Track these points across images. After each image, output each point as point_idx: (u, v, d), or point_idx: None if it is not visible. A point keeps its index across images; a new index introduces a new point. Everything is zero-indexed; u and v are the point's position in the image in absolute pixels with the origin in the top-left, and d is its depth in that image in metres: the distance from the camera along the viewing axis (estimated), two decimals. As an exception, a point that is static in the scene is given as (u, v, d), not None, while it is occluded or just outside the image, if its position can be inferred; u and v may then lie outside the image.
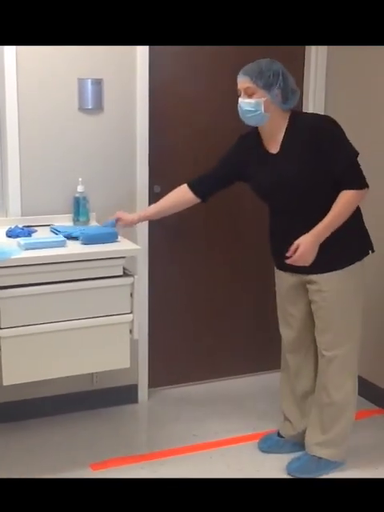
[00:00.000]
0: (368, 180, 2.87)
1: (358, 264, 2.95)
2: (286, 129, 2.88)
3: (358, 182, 2.83)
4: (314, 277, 2.94)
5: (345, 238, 2.88)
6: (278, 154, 2.91)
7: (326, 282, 2.93)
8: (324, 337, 3.01)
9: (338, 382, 3.02)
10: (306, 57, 3.80)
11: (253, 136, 3.00)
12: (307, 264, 2.85)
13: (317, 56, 3.75)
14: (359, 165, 2.84)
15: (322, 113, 3.66)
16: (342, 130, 2.84)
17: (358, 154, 2.85)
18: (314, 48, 3.75)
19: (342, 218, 2.83)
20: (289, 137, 2.87)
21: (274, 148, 2.92)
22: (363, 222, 2.99)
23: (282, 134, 2.88)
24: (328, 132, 2.80)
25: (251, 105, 2.82)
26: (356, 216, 2.91)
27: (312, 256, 2.83)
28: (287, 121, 2.88)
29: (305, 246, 2.81)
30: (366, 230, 3.01)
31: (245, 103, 2.84)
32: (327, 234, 2.83)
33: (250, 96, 2.82)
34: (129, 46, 3.35)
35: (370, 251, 3.00)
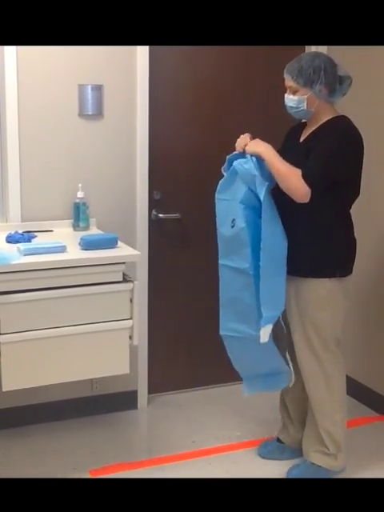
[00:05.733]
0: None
1: (324, 281, 2.90)
2: (322, 124, 2.86)
3: (311, 179, 2.72)
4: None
5: (316, 248, 2.87)
6: (301, 143, 2.92)
7: (287, 284, 2.91)
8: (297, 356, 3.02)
9: (324, 410, 3.02)
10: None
11: (298, 126, 3.02)
12: (251, 148, 2.84)
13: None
14: (320, 176, 2.74)
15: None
16: (341, 147, 2.75)
17: (330, 175, 2.76)
18: (313, 48, 3.74)
19: (278, 172, 2.77)
20: (316, 132, 2.86)
21: (304, 137, 2.93)
22: (343, 245, 2.93)
23: (317, 126, 2.87)
24: (328, 140, 2.78)
25: (294, 102, 2.83)
26: (336, 235, 2.89)
27: (256, 145, 2.84)
28: (331, 116, 2.85)
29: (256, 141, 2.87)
30: (346, 254, 2.95)
31: (288, 100, 2.86)
32: (269, 161, 2.79)
33: (294, 93, 2.83)
34: (129, 48, 3.37)
35: (339, 274, 2.91)
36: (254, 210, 2.84)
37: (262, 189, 2.78)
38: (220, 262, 2.99)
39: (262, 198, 2.78)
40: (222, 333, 3.06)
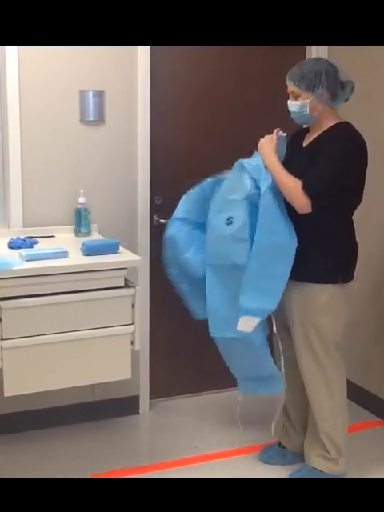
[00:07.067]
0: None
1: (327, 287, 2.91)
2: (325, 130, 2.87)
3: (314, 192, 2.74)
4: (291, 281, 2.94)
5: (319, 254, 2.88)
6: (304, 148, 2.93)
7: (289, 289, 2.90)
8: (298, 360, 3.03)
9: (325, 414, 3.03)
10: (306, 57, 3.75)
11: (301, 131, 3.04)
12: (260, 144, 2.93)
13: (317, 56, 3.71)
14: (327, 185, 2.75)
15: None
16: (347, 154, 2.77)
17: (337, 182, 2.76)
18: (314, 48, 3.75)
19: (283, 184, 2.79)
20: (320, 138, 2.87)
21: (307, 143, 2.94)
22: (346, 251, 2.94)
23: (320, 132, 2.89)
24: (332, 147, 2.79)
25: (296, 107, 2.86)
26: (339, 241, 2.90)
27: (265, 148, 2.90)
28: (334, 122, 2.87)
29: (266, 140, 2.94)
30: (348, 260, 2.96)
31: (291, 105, 2.89)
32: (270, 169, 2.84)
33: (296, 98, 2.86)
34: (130, 52, 3.39)
35: (341, 280, 2.92)
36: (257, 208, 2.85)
37: (266, 183, 2.81)
38: (210, 262, 3.00)
39: (262, 190, 2.80)
40: (212, 335, 3.06)
